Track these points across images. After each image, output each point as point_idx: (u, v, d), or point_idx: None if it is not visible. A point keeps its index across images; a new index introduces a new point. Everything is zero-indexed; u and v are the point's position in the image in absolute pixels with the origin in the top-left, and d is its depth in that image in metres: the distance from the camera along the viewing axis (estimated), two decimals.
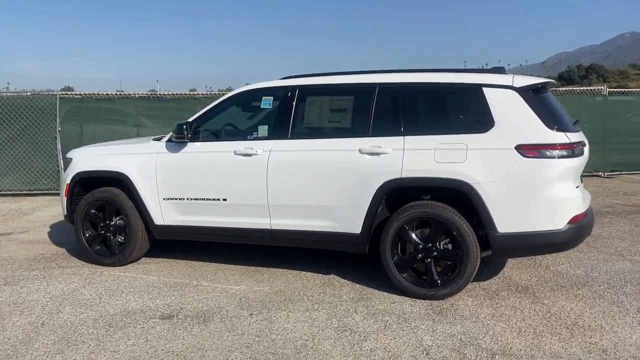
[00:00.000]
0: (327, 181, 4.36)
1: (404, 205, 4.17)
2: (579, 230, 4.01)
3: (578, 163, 4.02)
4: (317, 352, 3.31)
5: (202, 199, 4.80)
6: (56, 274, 5.02)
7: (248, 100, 4.94)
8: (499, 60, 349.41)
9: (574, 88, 12.92)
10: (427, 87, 4.29)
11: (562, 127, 3.95)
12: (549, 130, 3.89)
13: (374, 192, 4.18)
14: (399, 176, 4.09)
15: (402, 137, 4.16)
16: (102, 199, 5.15)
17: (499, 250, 3.99)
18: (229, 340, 3.50)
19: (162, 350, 3.37)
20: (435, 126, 4.20)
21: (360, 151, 4.24)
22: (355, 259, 5.00)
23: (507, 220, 3.90)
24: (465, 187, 3.94)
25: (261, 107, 4.81)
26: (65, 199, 5.34)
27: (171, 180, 4.88)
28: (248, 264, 5.14)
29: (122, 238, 5.20)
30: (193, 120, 4.83)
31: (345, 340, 3.46)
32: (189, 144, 4.82)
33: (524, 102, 3.98)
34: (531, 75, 4.97)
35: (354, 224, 4.32)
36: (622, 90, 13.53)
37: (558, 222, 3.92)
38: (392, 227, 4.15)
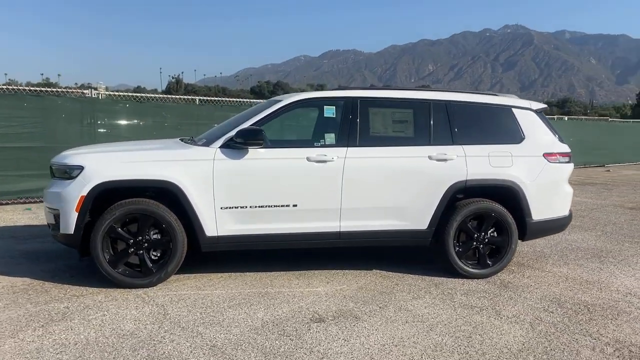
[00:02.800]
0: (400, 184, 5.03)
1: (458, 203, 5.16)
2: (571, 215, 5.67)
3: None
4: (475, 322, 4.08)
5: (270, 206, 4.85)
6: (99, 307, 4.34)
7: (309, 107, 5.17)
8: (194, 70, 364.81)
9: None
10: (470, 105, 5.37)
11: (562, 140, 5.55)
12: (559, 142, 5.44)
13: (443, 193, 5.06)
14: (464, 178, 5.08)
15: (461, 146, 5.15)
16: (137, 211, 4.63)
17: (532, 233, 5.35)
18: (413, 327, 3.95)
19: (374, 344, 3.64)
20: (481, 137, 5.30)
21: (430, 157, 5.07)
22: (378, 255, 5.76)
23: (538, 210, 5.29)
24: (515, 186, 5.17)
25: (325, 115, 5.13)
26: (76, 215, 4.57)
27: (232, 188, 4.77)
28: (286, 269, 5.34)
29: (156, 255, 4.78)
30: (260, 127, 4.82)
31: (484, 314, 4.28)
32: (250, 150, 4.80)
33: (540, 120, 5.46)
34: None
35: (421, 221, 5.10)
36: None
37: (566, 209, 5.51)
38: (456, 220, 5.10)
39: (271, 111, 4.99)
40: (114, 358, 3.37)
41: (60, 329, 3.79)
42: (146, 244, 4.71)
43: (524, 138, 5.35)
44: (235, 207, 4.80)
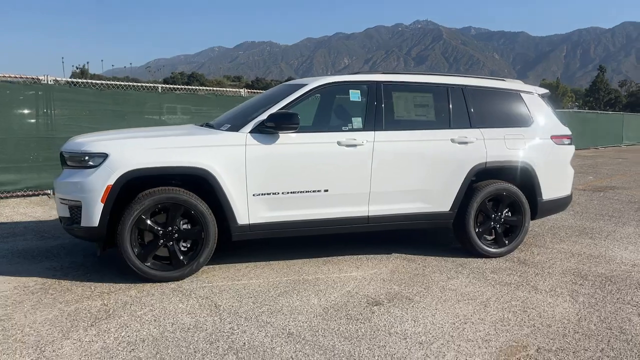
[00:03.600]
0: (426, 167, 5.13)
1: (477, 184, 5.34)
2: (572, 194, 6.03)
3: None
4: (520, 297, 4.26)
5: (301, 192, 4.78)
6: (140, 303, 4.09)
7: (334, 91, 5.11)
8: (102, 60, 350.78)
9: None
10: (483, 89, 5.56)
11: (564, 123, 5.89)
12: (562, 125, 5.77)
13: (465, 175, 5.22)
14: (484, 161, 5.27)
15: (478, 129, 5.33)
16: (168, 201, 4.40)
17: (541, 212, 5.64)
18: (468, 305, 4.06)
19: (443, 322, 3.70)
20: (495, 121, 5.50)
21: (452, 141, 5.21)
22: (391, 239, 5.87)
23: (548, 190, 5.59)
24: (528, 167, 5.43)
25: (351, 99, 5.10)
26: (101, 206, 4.28)
27: (265, 174, 4.65)
28: (309, 257, 5.30)
29: (186, 246, 4.57)
30: (291, 111, 4.72)
31: (524, 290, 4.48)
32: (281, 135, 4.70)
33: (544, 104, 5.76)
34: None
35: (444, 203, 5.23)
36: None
37: (569, 189, 5.86)
38: (477, 202, 5.27)
39: (299, 95, 4.90)
40: (194, 351, 3.21)
41: (115, 327, 3.55)
42: (176, 235, 4.50)
43: (532, 121, 5.62)
44: (268, 194, 4.69)
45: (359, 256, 5.38)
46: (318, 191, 4.83)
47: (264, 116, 4.72)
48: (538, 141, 5.55)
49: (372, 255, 5.41)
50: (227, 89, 11.71)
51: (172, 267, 4.50)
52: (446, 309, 3.98)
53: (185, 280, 4.53)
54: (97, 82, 9.78)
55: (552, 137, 5.63)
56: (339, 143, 4.85)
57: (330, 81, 5.05)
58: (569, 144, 5.79)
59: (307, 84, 5.00)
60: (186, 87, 11.07)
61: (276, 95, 5.18)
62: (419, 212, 5.18)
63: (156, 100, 10.05)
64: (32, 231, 6.29)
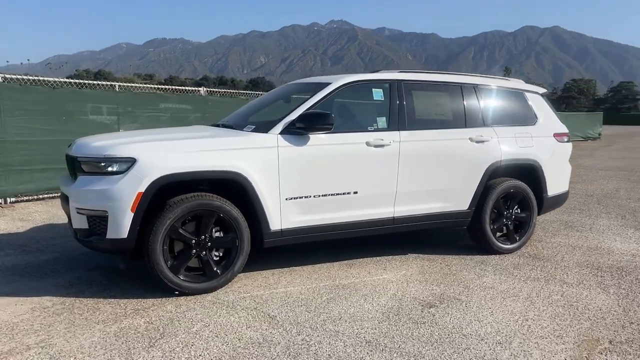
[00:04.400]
0: (447, 167, 5.18)
1: (491, 182, 5.46)
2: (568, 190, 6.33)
3: None
4: (557, 291, 4.42)
5: (332, 194, 4.67)
6: (187, 318, 3.82)
7: (358, 90, 5.01)
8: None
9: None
10: (492, 88, 5.69)
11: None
12: (561, 123, 6.04)
13: (482, 173, 5.33)
14: (499, 159, 5.40)
15: (492, 128, 5.46)
16: (201, 207, 4.15)
17: (545, 208, 5.87)
18: (516, 302, 4.13)
19: (506, 320, 3.75)
20: (505, 119, 5.65)
21: (471, 139, 5.30)
22: (396, 240, 5.90)
23: (552, 186, 5.83)
24: (537, 165, 5.64)
25: (374, 98, 5.04)
26: (131, 215, 3.96)
27: (298, 176, 4.50)
28: (328, 261, 5.20)
29: (218, 255, 4.34)
30: (324, 110, 4.59)
31: (555, 284, 4.64)
32: (311, 136, 4.57)
33: (546, 103, 6.00)
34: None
35: (463, 202, 5.32)
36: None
37: (567, 185, 6.13)
38: (492, 200, 5.40)
39: (325, 94, 4.78)
40: None
41: (179, 347, 3.29)
42: (209, 244, 4.25)
43: (537, 120, 5.85)
44: (300, 197, 4.55)
45: (378, 258, 5.35)
46: (348, 193, 4.75)
47: (292, 116, 4.57)
48: (543, 139, 5.77)
49: (390, 257, 5.40)
50: (186, 88, 11.26)
51: (206, 278, 4.25)
52: (499, 308, 4.04)
53: (219, 291, 4.30)
54: (51, 79, 9.03)
55: (555, 135, 5.89)
56: (367, 143, 4.79)
57: (355, 79, 4.98)
58: (567, 142, 6.07)
59: (331, 83, 4.90)
60: (145, 85, 10.51)
61: (289, 95, 5.06)
62: (440, 211, 5.23)
63: (114, 100, 9.48)
64: (10, 245, 5.71)
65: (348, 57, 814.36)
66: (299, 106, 4.68)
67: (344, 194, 4.73)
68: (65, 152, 4.79)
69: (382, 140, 4.85)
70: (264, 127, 4.61)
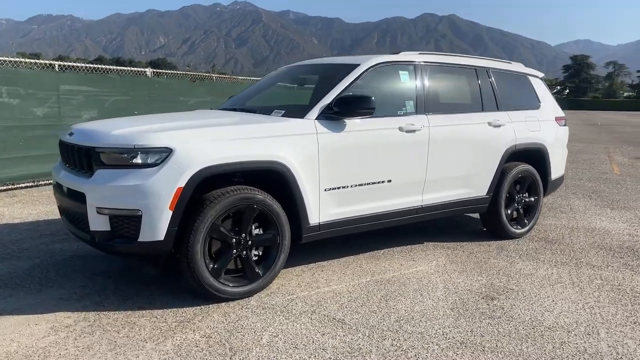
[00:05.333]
0: (470, 152, 5.07)
1: (505, 167, 5.42)
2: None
3: None
4: (591, 275, 4.48)
5: (368, 184, 4.39)
6: (249, 329, 3.40)
7: (386, 72, 4.70)
8: None
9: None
10: (502, 72, 5.63)
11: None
12: (558, 107, 6.13)
13: (499, 158, 5.28)
14: (514, 143, 5.38)
15: (505, 112, 5.41)
16: (242, 202, 3.71)
17: (548, 191, 5.95)
18: (572, 289, 4.11)
19: (575, 308, 3.69)
20: (514, 103, 5.61)
21: (489, 124, 5.21)
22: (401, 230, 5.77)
23: (554, 170, 5.91)
24: (544, 149, 5.68)
25: (401, 80, 4.78)
26: (169, 214, 3.46)
27: (336, 165, 4.17)
28: (354, 254, 4.94)
29: (257, 254, 3.93)
30: (365, 93, 4.27)
31: (585, 268, 4.69)
32: (347, 121, 4.25)
33: (545, 87, 6.06)
34: None
35: (483, 188, 5.24)
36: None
37: (564, 169, 6.25)
38: (507, 184, 5.37)
39: (357, 75, 4.45)
40: None
41: None
42: (250, 242, 3.84)
43: (540, 103, 5.89)
44: (338, 188, 4.23)
45: (398, 248, 5.16)
46: (382, 182, 4.50)
47: (327, 100, 4.23)
48: (547, 123, 5.83)
49: (408, 246, 5.23)
50: (132, 68, 10.32)
51: (247, 281, 3.84)
52: (557, 296, 3.98)
53: (260, 294, 3.90)
54: None
55: (556, 119, 5.97)
56: (400, 129, 4.55)
57: (384, 60, 4.69)
58: (565, 125, 6.19)
59: (359, 64, 4.58)
60: (92, 65, 9.48)
61: (299, 78, 4.73)
62: (463, 198, 5.12)
63: (54, 82, 8.50)
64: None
65: (253, 40, 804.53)
66: (331, 89, 4.34)
67: (378, 182, 4.47)
68: (61, 139, 4.15)
69: (413, 125, 4.63)
70: (296, 111, 4.24)
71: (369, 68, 4.56)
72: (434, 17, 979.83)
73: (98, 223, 3.56)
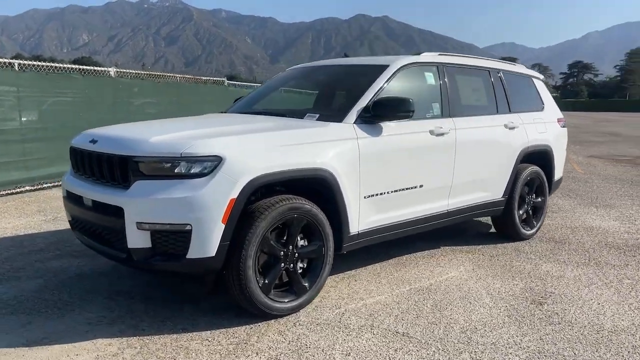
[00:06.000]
0: (490, 155, 5.06)
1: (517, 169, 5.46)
2: None
3: None
4: (620, 275, 4.58)
5: (403, 189, 4.28)
6: (319, 349, 3.19)
7: (411, 73, 4.58)
8: None
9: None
10: (510, 73, 5.66)
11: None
12: (558, 108, 6.26)
13: (514, 160, 5.30)
14: (527, 145, 5.42)
15: (517, 114, 5.45)
16: (291, 213, 3.50)
17: (551, 192, 6.05)
18: (608, 289, 4.15)
19: (623, 308, 3.73)
20: (523, 105, 5.65)
21: (505, 126, 5.23)
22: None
23: (557, 170, 6.03)
24: (550, 150, 5.77)
25: (427, 82, 4.69)
26: (222, 228, 3.21)
27: (375, 171, 4.03)
28: (374, 261, 4.84)
29: (302, 266, 3.73)
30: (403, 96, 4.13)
31: (606, 267, 4.78)
32: (383, 125, 4.12)
33: (546, 89, 6.17)
34: None
35: (500, 190, 5.24)
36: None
37: (562, 170, 6.38)
38: (520, 185, 5.39)
39: (388, 76, 4.31)
40: None
41: None
42: (296, 255, 3.64)
43: (543, 105, 5.98)
44: (376, 195, 4.09)
45: (420, 254, 5.08)
46: (415, 187, 4.40)
47: (364, 103, 4.08)
48: (551, 124, 5.93)
49: (428, 252, 5.16)
50: (92, 67, 9.70)
51: (294, 295, 3.63)
52: (599, 298, 4.01)
53: (306, 309, 3.70)
54: None
55: (558, 120, 6.09)
56: (431, 132, 4.47)
57: (412, 61, 4.59)
58: (564, 127, 6.32)
59: (388, 64, 4.45)
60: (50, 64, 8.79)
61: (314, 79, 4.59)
62: (482, 201, 5.11)
63: (13, 82, 7.86)
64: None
65: (184, 38, 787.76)
66: (364, 91, 4.19)
67: (412, 188, 4.37)
68: (77, 147, 3.78)
69: (442, 128, 4.56)
70: (332, 115, 4.06)
71: (399, 69, 4.44)
72: (367, 18, 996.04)
73: (137, 239, 3.25)
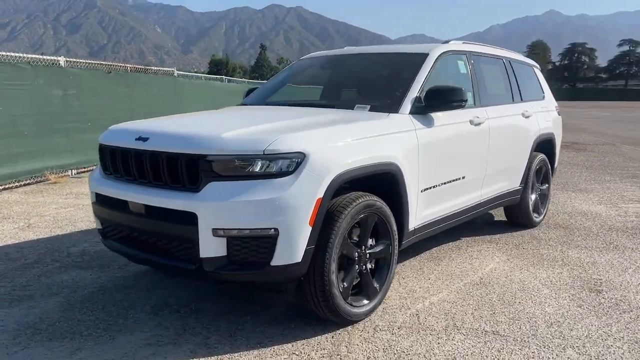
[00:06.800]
0: (513, 144, 5.06)
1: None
2: None
3: None
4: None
5: (449, 182, 4.16)
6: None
7: (447, 61, 4.44)
8: None
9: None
10: (517, 62, 5.67)
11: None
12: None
13: (530, 149, 5.35)
14: (539, 134, 5.49)
15: (528, 103, 5.48)
16: (365, 211, 3.27)
17: (552, 179, 6.17)
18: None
19: None
20: (530, 94, 5.68)
21: (522, 115, 5.25)
22: None
23: (557, 158, 6.16)
24: (554, 138, 5.89)
25: (460, 71, 4.57)
26: (309, 230, 2.93)
27: (431, 164, 3.87)
28: (407, 258, 4.70)
29: (371, 267, 3.51)
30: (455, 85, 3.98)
31: (629, 251, 4.94)
32: (433, 115, 3.98)
33: (543, 78, 6.27)
34: None
35: (518, 179, 5.27)
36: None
37: None
38: (533, 173, 5.45)
39: (431, 65, 4.15)
40: None
41: None
42: (368, 255, 3.42)
43: (544, 94, 6.08)
44: (430, 188, 3.94)
45: (447, 246, 5.02)
46: (458, 179, 4.30)
47: (414, 93, 3.91)
48: (552, 113, 6.04)
49: (451, 244, 5.11)
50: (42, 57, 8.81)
51: (366, 298, 3.42)
52: None
53: (376, 313, 3.50)
54: None
55: (556, 108, 6.22)
56: (470, 122, 4.39)
57: (448, 49, 4.46)
58: (560, 115, 6.46)
59: (427, 52, 4.27)
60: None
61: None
62: (506, 191, 5.11)
63: None
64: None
65: (87, 26, 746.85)
66: (412, 81, 4.01)
67: (456, 180, 4.26)
68: (121, 146, 3.34)
69: (479, 117, 4.49)
70: (385, 105, 3.86)
71: (438, 57, 4.30)
72: (281, 8, 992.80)
73: (212, 248, 2.91)
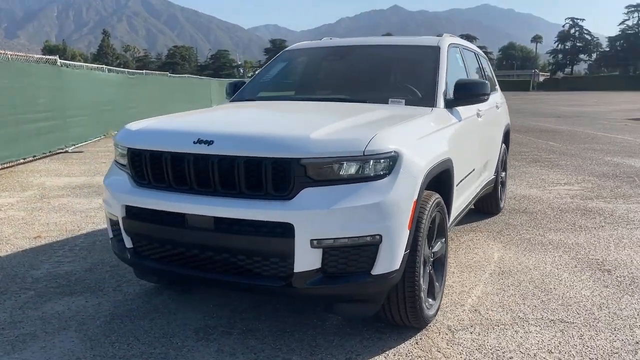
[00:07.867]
0: (493, 135, 5.25)
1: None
2: None
3: None
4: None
5: (468, 174, 4.22)
6: None
7: (452, 53, 4.40)
8: None
9: None
10: (480, 55, 5.84)
11: None
12: None
13: (501, 138, 5.60)
14: (507, 123, 5.76)
15: (497, 94, 5.72)
16: (436, 209, 3.18)
17: None
18: None
19: None
20: (492, 85, 5.90)
21: (496, 106, 5.45)
22: None
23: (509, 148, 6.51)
24: (509, 128, 6.20)
25: (459, 63, 4.58)
26: (407, 235, 2.76)
27: (461, 157, 3.86)
28: None
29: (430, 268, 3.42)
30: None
31: (602, 232, 5.38)
32: (458, 109, 3.97)
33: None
34: None
35: (493, 169, 5.48)
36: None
37: None
38: (501, 163, 5.72)
39: (445, 57, 4.14)
40: None
41: None
42: (433, 255, 3.32)
43: (496, 84, 6.36)
44: (460, 182, 3.94)
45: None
46: (472, 172, 4.37)
47: (442, 87, 3.88)
48: (504, 105, 6.35)
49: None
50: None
51: (433, 299, 3.32)
52: None
53: (438, 315, 3.42)
54: None
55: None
56: (477, 115, 4.47)
57: (453, 42, 4.52)
58: None
59: (438, 45, 4.27)
60: None
61: (401, 60, 4.32)
62: (487, 181, 5.28)
63: None
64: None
65: None
66: (435, 74, 3.97)
67: (471, 172, 4.33)
68: (170, 150, 2.87)
69: (480, 110, 4.58)
70: (420, 99, 3.78)
71: (447, 50, 4.30)
72: None
73: (307, 261, 2.64)
